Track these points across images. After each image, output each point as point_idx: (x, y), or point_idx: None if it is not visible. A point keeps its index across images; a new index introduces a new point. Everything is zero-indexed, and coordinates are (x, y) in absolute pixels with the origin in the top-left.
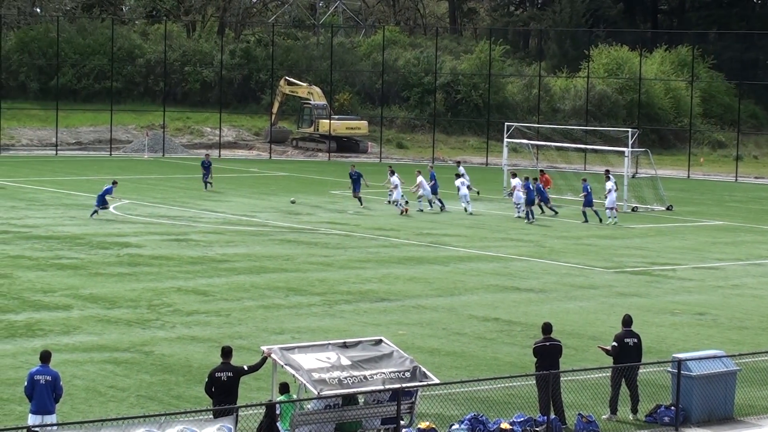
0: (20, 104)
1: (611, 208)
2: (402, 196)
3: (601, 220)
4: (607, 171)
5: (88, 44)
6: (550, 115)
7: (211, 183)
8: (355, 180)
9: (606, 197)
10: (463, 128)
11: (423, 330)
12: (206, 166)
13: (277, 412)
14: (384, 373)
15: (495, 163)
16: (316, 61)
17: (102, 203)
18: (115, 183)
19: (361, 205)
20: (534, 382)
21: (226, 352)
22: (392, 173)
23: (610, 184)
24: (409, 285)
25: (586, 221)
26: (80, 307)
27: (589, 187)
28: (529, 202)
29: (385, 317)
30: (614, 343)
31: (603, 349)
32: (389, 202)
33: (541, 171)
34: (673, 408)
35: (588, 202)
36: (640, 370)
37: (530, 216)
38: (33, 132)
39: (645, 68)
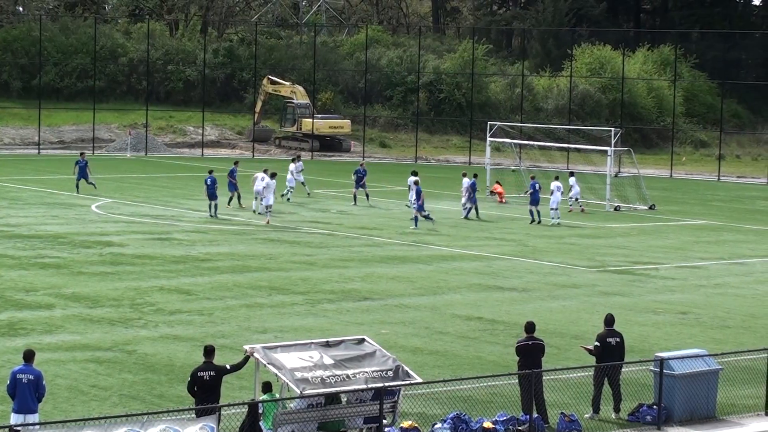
0: (2, 103)
1: (554, 209)
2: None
3: (539, 221)
4: (572, 173)
5: (70, 43)
6: (533, 114)
7: (93, 184)
8: (231, 177)
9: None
10: (446, 127)
11: (406, 329)
12: (81, 167)
13: (260, 411)
14: (367, 372)
15: (478, 162)
16: (299, 60)
17: (232, 187)
18: (236, 163)
19: (228, 205)
20: (517, 381)
21: (209, 351)
22: (267, 174)
23: (555, 184)
24: (391, 284)
25: (533, 220)
26: (63, 306)
27: (537, 185)
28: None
29: (368, 316)
30: (596, 343)
31: (585, 348)
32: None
33: (498, 182)
34: (655, 407)
35: (534, 201)
36: (623, 369)
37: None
38: (15, 131)
39: (628, 67)
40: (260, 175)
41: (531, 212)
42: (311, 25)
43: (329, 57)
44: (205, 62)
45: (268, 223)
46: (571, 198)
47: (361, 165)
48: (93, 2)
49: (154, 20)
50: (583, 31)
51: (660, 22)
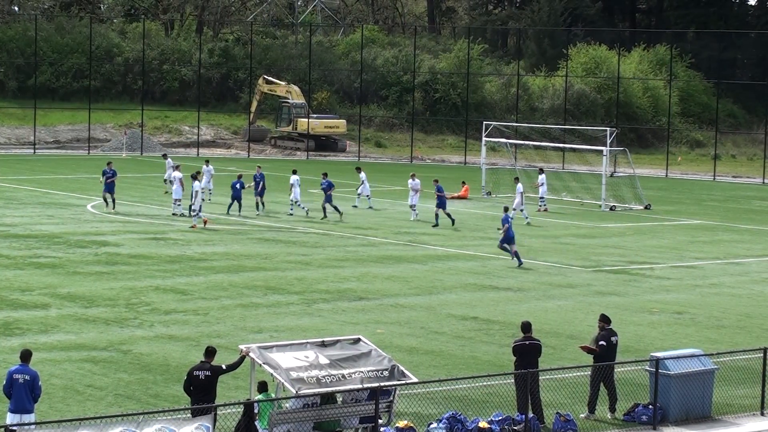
0: None
1: (520, 210)
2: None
3: (453, 222)
4: (541, 170)
5: (66, 43)
6: (529, 114)
7: None
8: (110, 178)
9: (516, 199)
10: (442, 127)
11: (401, 329)
12: None
13: (256, 411)
14: (362, 371)
15: (473, 162)
16: (295, 60)
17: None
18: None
19: (112, 207)
20: (512, 380)
21: (208, 352)
22: (194, 177)
23: (520, 186)
24: (387, 284)
25: (437, 224)
26: (58, 305)
27: (441, 188)
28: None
29: (364, 316)
30: (602, 342)
31: (587, 348)
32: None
33: (463, 182)
34: (651, 407)
35: (441, 204)
36: (618, 369)
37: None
38: (11, 130)
39: (623, 67)
40: (176, 173)
41: (436, 215)
42: (307, 25)
43: (325, 57)
44: (201, 62)
45: (205, 224)
46: (541, 199)
47: (258, 168)
48: (88, 2)
49: (150, 20)
50: (579, 31)
51: (655, 22)
